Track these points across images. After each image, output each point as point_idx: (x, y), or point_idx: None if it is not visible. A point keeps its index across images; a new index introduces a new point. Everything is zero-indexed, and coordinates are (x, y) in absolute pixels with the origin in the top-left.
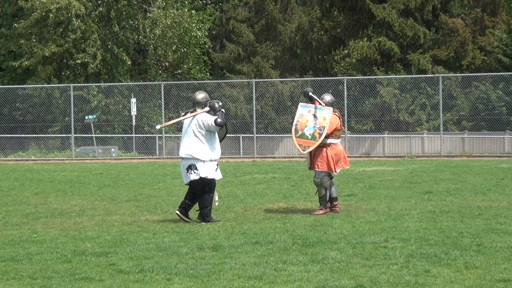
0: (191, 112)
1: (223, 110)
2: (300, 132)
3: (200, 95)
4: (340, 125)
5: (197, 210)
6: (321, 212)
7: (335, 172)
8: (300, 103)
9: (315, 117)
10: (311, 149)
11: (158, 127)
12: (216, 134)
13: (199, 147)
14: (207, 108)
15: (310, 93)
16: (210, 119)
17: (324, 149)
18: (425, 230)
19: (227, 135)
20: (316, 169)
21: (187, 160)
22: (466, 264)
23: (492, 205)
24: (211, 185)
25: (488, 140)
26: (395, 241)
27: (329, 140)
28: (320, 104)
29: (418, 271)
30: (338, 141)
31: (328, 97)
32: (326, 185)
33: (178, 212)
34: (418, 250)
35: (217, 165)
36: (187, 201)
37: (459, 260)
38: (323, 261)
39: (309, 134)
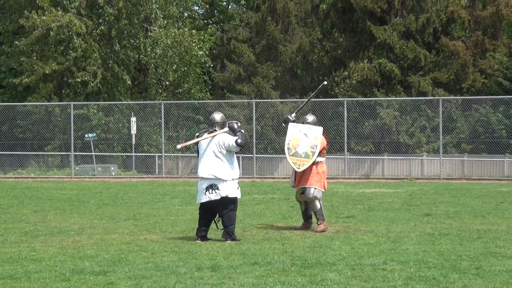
0: (209, 133)
1: (242, 130)
2: (293, 151)
3: (218, 116)
4: (326, 144)
5: (221, 229)
6: (322, 227)
7: (325, 189)
8: (290, 123)
9: (306, 136)
10: (306, 166)
11: (178, 146)
12: (235, 153)
13: (220, 167)
14: (226, 129)
15: (292, 119)
16: (231, 140)
17: (314, 167)
18: (424, 253)
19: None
20: (307, 186)
21: (208, 180)
22: (465, 287)
23: (491, 229)
24: (235, 203)
25: (488, 163)
26: (394, 264)
27: (318, 158)
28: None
29: None
30: (323, 159)
31: (310, 118)
32: (320, 197)
33: (199, 242)
34: (417, 272)
35: (238, 183)
36: (203, 228)
37: (457, 283)
38: (322, 282)
39: (302, 153)
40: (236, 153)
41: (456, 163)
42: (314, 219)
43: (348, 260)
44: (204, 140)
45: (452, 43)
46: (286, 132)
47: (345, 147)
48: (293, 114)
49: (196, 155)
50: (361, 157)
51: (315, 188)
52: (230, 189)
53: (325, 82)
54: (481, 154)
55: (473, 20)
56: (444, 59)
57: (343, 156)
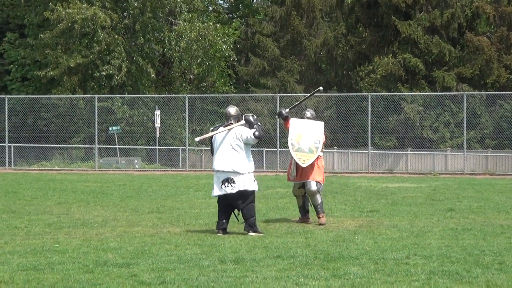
0: (224, 126)
1: (259, 123)
2: (297, 146)
3: (233, 109)
4: (324, 139)
5: (242, 223)
6: (324, 220)
7: (323, 182)
8: (292, 118)
9: (308, 131)
10: (311, 161)
11: (197, 139)
12: (251, 146)
13: (237, 160)
14: (242, 122)
15: (285, 114)
16: (248, 132)
17: (314, 161)
18: (447, 248)
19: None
20: (310, 180)
21: (224, 173)
22: (488, 282)
23: None
24: (253, 195)
25: None
26: (417, 258)
27: None
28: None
29: None
30: (322, 154)
31: (309, 113)
32: (321, 191)
33: (221, 234)
34: (440, 267)
35: (254, 176)
36: (223, 220)
37: (480, 278)
38: (345, 276)
39: (306, 148)
40: (256, 147)
41: (480, 159)
42: (311, 212)
43: (371, 254)
44: (220, 134)
45: (476, 38)
46: (282, 125)
47: (369, 141)
48: (287, 110)
49: (209, 149)
50: (385, 151)
51: (317, 182)
52: (247, 182)
53: (321, 88)
54: (505, 149)
55: (498, 16)
56: (469, 54)
57: (367, 151)
